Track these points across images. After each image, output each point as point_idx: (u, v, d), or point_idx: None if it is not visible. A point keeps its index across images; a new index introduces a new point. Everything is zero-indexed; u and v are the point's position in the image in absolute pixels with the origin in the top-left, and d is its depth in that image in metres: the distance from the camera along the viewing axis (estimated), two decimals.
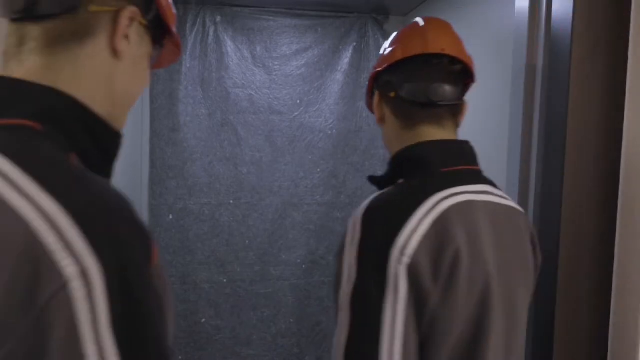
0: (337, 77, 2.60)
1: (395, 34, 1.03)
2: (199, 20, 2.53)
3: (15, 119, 0.54)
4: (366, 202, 0.87)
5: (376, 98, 1.02)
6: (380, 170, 2.67)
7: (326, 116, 2.62)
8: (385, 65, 0.99)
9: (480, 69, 1.79)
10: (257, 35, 2.60)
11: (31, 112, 0.55)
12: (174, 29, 0.75)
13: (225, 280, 2.62)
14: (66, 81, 0.59)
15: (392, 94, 0.98)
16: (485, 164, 1.71)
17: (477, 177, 0.94)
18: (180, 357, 2.52)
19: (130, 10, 0.63)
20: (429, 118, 0.98)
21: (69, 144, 0.56)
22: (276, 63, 2.62)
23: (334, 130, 2.63)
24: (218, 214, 2.61)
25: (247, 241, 2.64)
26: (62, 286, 0.43)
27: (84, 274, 0.44)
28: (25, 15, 0.59)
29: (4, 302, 0.43)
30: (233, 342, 2.63)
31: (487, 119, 1.71)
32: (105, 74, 0.63)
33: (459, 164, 0.95)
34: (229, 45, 2.58)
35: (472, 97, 1.85)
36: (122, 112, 0.68)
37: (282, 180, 2.64)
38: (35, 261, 0.43)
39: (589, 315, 1.04)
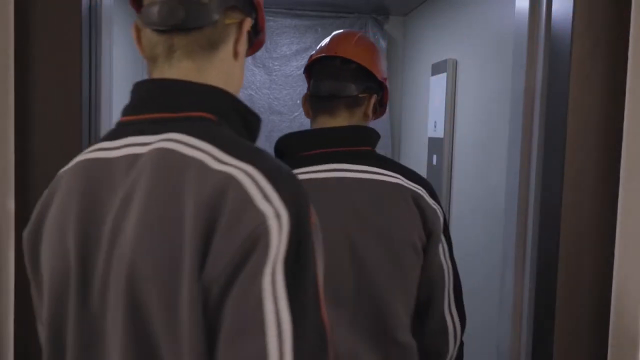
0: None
1: None
2: None
3: (196, 112, 0.71)
4: None
5: (303, 96, 1.23)
6: None
7: None
8: (303, 69, 1.23)
9: (480, 69, 1.80)
10: None
11: (206, 106, 0.72)
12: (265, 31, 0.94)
13: None
14: (212, 80, 0.75)
15: (307, 91, 1.20)
16: (485, 164, 1.71)
17: (330, 158, 1.10)
18: None
19: (249, 21, 0.80)
20: (323, 109, 1.16)
21: (233, 128, 0.73)
22: (276, 63, 2.62)
23: None
24: None
25: None
26: (263, 222, 0.59)
27: (278, 216, 0.60)
28: (176, 27, 0.73)
29: (220, 233, 0.60)
30: None
31: (488, 118, 1.71)
32: (230, 72, 0.80)
33: (315, 148, 1.12)
34: None
35: (473, 97, 1.85)
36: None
37: None
38: (242, 203, 0.60)
39: (589, 315, 1.04)
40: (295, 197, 0.63)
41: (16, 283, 0.92)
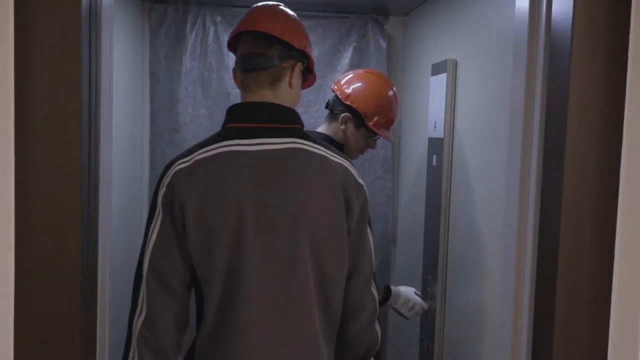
0: (337, 77, 2.60)
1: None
2: (199, 20, 2.53)
3: (295, 124, 1.31)
4: None
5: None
6: (380, 170, 2.67)
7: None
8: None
9: (480, 69, 1.80)
10: None
11: (298, 120, 1.32)
12: (314, 71, 1.45)
13: None
14: (283, 102, 1.32)
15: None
16: (485, 164, 1.71)
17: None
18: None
19: (299, 65, 1.34)
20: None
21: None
22: None
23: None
24: None
25: None
26: (365, 193, 1.31)
27: (365, 190, 1.32)
28: (262, 68, 1.30)
29: (352, 198, 1.28)
30: None
31: (488, 118, 1.71)
32: (288, 97, 1.33)
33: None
34: None
35: (473, 97, 1.85)
36: None
37: None
38: (357, 182, 1.30)
39: (589, 316, 1.04)
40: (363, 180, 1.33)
41: (16, 282, 0.92)
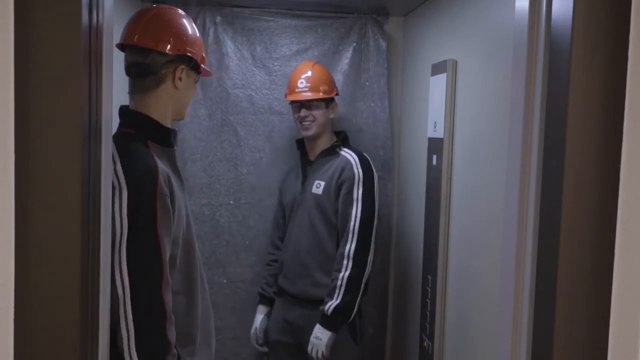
0: (337, 78, 2.60)
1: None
2: (199, 20, 2.53)
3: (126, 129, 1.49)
4: None
5: None
6: (380, 170, 2.67)
7: None
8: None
9: (480, 69, 1.80)
10: (257, 36, 2.60)
11: (133, 124, 1.48)
12: (205, 67, 1.58)
13: (225, 281, 2.62)
14: (151, 107, 1.48)
15: None
16: (485, 164, 1.71)
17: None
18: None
19: (180, 68, 1.48)
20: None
21: (147, 136, 1.46)
22: (276, 63, 2.62)
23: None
24: (218, 215, 2.60)
25: (247, 242, 2.64)
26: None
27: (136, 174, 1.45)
28: (136, 76, 1.48)
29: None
30: (233, 342, 2.62)
31: (488, 118, 1.71)
32: (170, 99, 1.50)
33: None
34: (229, 46, 2.58)
35: (473, 97, 1.85)
36: (181, 115, 1.58)
37: None
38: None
39: (589, 315, 1.04)
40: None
41: (16, 282, 0.92)
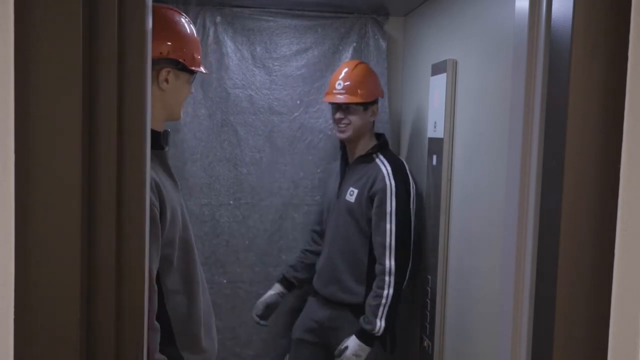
0: None
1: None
2: (199, 20, 2.53)
3: None
4: None
5: None
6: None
7: (326, 117, 2.62)
8: None
9: (480, 69, 1.80)
10: (257, 36, 2.60)
11: None
12: (196, 67, 1.53)
13: (225, 281, 2.62)
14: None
15: None
16: (486, 164, 1.71)
17: None
18: None
19: (166, 70, 1.46)
20: None
21: None
22: (276, 63, 2.62)
23: (334, 131, 2.63)
24: (218, 215, 2.60)
25: (247, 242, 2.64)
26: None
27: None
28: None
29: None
30: (233, 342, 2.62)
31: (488, 118, 1.71)
32: (157, 101, 1.46)
33: None
34: (229, 46, 2.57)
35: (473, 97, 1.85)
36: (174, 115, 1.54)
37: (282, 181, 2.64)
38: None
39: (589, 315, 1.04)
40: None
41: (16, 282, 0.92)
